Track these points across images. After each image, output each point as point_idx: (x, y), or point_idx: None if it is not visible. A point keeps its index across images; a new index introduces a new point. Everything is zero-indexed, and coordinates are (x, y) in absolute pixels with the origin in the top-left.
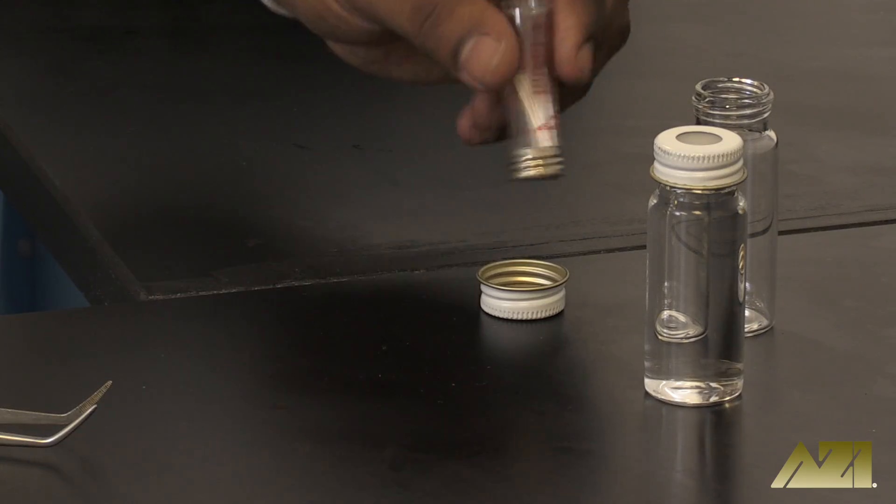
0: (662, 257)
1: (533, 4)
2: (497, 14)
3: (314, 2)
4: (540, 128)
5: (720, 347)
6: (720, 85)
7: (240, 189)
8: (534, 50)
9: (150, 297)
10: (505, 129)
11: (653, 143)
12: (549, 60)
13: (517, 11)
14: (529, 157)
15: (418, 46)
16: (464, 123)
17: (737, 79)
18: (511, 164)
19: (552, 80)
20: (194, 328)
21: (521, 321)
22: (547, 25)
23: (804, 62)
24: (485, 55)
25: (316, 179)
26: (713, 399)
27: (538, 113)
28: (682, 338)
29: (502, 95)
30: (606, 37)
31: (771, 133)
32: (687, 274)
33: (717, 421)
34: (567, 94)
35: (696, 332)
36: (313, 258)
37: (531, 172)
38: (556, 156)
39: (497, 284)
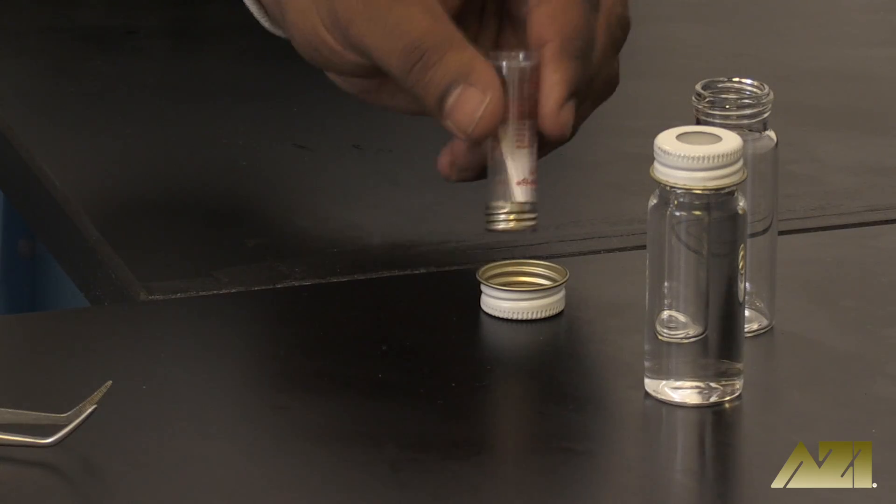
0: (662, 257)
1: (521, 57)
2: (485, 65)
3: (310, 34)
4: (519, 182)
5: (720, 347)
6: (720, 85)
7: (240, 189)
8: (519, 103)
9: (150, 297)
10: (484, 169)
11: (653, 143)
12: (533, 114)
13: (504, 63)
14: (506, 210)
15: (406, 89)
16: (443, 161)
17: (737, 79)
18: (487, 214)
19: (534, 134)
20: (194, 328)
21: (521, 321)
22: (533, 79)
23: (804, 62)
24: (470, 106)
25: (316, 179)
26: (713, 399)
27: (518, 167)
28: (682, 338)
29: (483, 143)
30: (592, 89)
31: (771, 133)
32: (687, 274)
33: (717, 421)
34: (547, 142)
35: (696, 332)
36: (313, 258)
37: (505, 226)
38: (531, 211)
39: (497, 284)
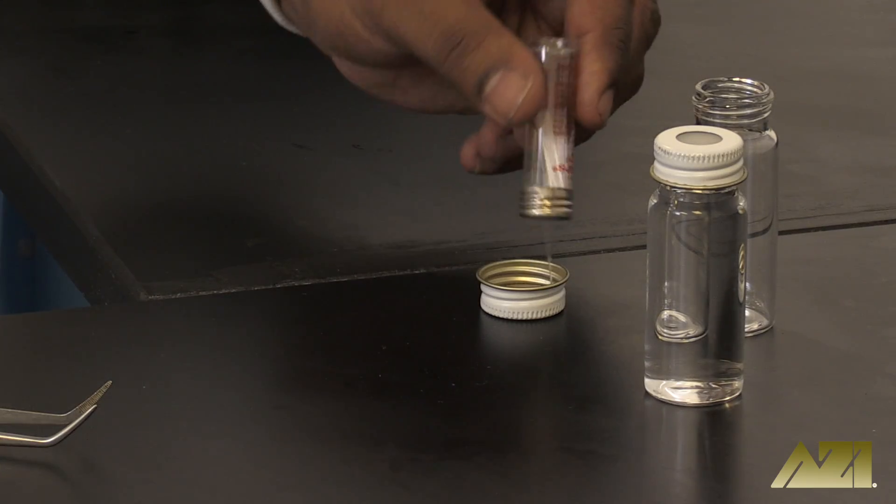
0: (662, 257)
1: (560, 45)
2: (525, 50)
3: (336, 20)
4: (556, 168)
5: (720, 347)
6: (720, 85)
7: (240, 189)
8: (557, 90)
9: (150, 297)
10: (508, 162)
11: (653, 143)
12: (571, 101)
13: (543, 50)
14: (541, 196)
15: (442, 74)
16: (467, 152)
17: (737, 79)
18: (521, 199)
19: (571, 121)
20: (194, 328)
21: (521, 321)
22: (571, 67)
23: (804, 62)
24: (510, 91)
25: (316, 179)
26: (713, 399)
27: (556, 153)
28: (682, 338)
29: (515, 130)
30: (623, 84)
31: (771, 133)
32: (687, 274)
33: (717, 421)
34: (582, 131)
35: (696, 332)
36: (313, 258)
37: (540, 212)
38: (567, 198)
39: (497, 284)
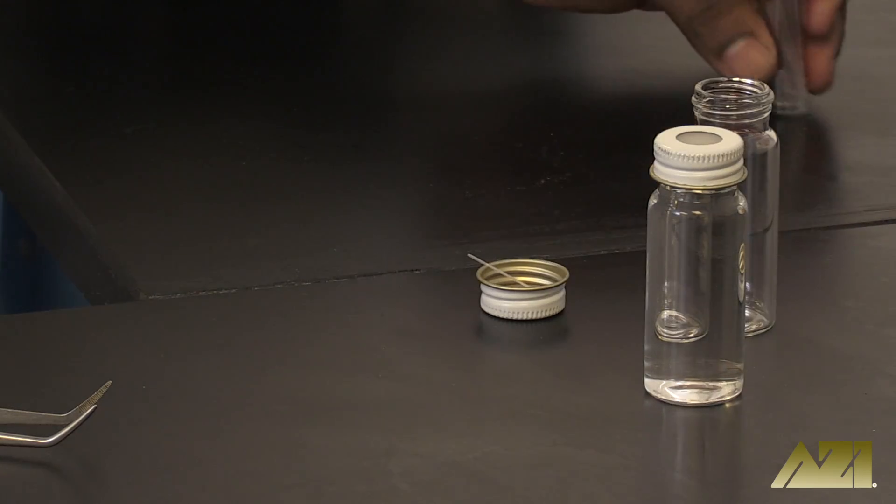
0: (662, 257)
1: None
2: (765, 25)
3: None
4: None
5: (720, 347)
6: (720, 85)
7: (240, 189)
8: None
9: (150, 297)
10: None
11: (653, 143)
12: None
13: None
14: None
15: (687, 27)
16: None
17: (737, 79)
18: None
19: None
20: (194, 328)
21: (521, 321)
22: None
23: None
24: (754, 59)
25: (316, 179)
26: (713, 399)
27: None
28: (681, 338)
29: None
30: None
31: (771, 133)
32: (687, 274)
33: (717, 421)
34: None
35: (696, 332)
36: (313, 258)
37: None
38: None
39: (497, 284)
